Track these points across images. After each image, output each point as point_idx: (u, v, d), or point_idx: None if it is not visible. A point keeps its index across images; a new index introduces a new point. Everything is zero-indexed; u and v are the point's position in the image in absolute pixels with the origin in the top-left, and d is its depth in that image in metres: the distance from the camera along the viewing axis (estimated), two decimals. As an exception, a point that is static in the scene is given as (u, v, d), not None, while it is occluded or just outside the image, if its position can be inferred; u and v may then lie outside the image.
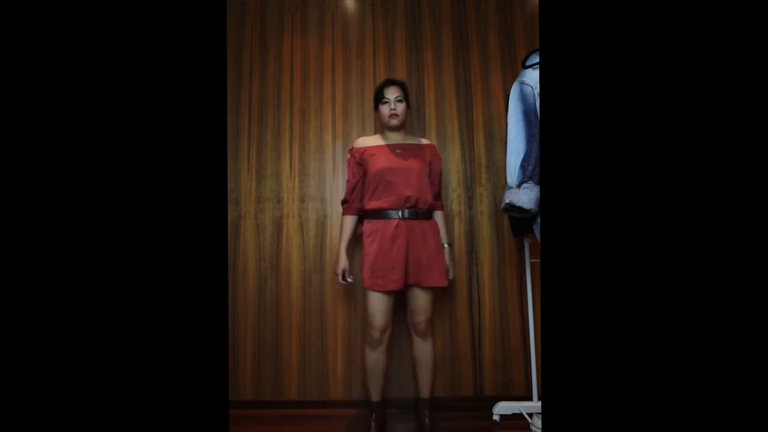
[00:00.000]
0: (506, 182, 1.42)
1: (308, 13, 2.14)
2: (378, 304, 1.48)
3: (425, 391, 1.62)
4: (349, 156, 1.64)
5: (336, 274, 1.57)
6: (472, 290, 1.92)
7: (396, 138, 1.62)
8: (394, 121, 1.58)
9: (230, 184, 2.02)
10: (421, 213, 1.53)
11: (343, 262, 1.56)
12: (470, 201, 1.97)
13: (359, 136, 2.04)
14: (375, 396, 1.56)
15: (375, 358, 1.51)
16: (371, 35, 2.11)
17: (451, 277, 1.60)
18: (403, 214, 1.50)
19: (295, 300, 1.94)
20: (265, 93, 2.09)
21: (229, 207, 2.01)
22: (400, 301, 1.60)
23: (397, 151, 1.58)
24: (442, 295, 1.90)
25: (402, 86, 1.62)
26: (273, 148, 2.05)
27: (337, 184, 2.01)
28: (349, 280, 1.58)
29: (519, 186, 1.36)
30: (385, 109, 1.59)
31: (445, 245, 1.59)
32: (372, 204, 1.54)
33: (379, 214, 1.52)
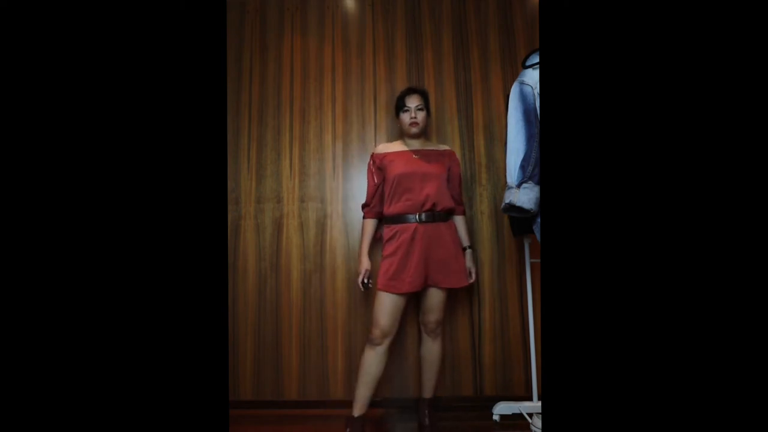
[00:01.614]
0: (506, 182, 1.42)
1: (308, 13, 2.14)
2: (385, 304, 1.48)
3: (427, 391, 1.61)
4: (369, 161, 1.66)
5: (359, 274, 1.56)
6: (472, 290, 1.92)
7: (416, 144, 1.65)
8: (414, 129, 1.61)
9: (230, 184, 2.02)
10: (438, 216, 1.54)
11: (365, 264, 1.57)
12: (470, 201, 1.97)
13: (359, 136, 2.04)
14: (357, 409, 1.48)
15: (371, 358, 1.48)
16: (371, 35, 2.11)
17: (473, 279, 1.61)
18: (420, 218, 1.52)
19: (295, 300, 1.94)
20: (265, 93, 2.09)
21: (229, 207, 2.01)
22: (408, 304, 1.60)
23: (416, 157, 1.59)
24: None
25: (423, 95, 1.65)
26: (273, 148, 2.05)
27: (337, 184, 2.01)
28: (370, 285, 1.57)
29: (519, 186, 1.36)
30: (405, 117, 1.62)
31: (467, 248, 1.62)
32: (391, 209, 1.56)
33: (398, 218, 1.54)
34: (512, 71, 2.06)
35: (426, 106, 1.64)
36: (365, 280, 1.55)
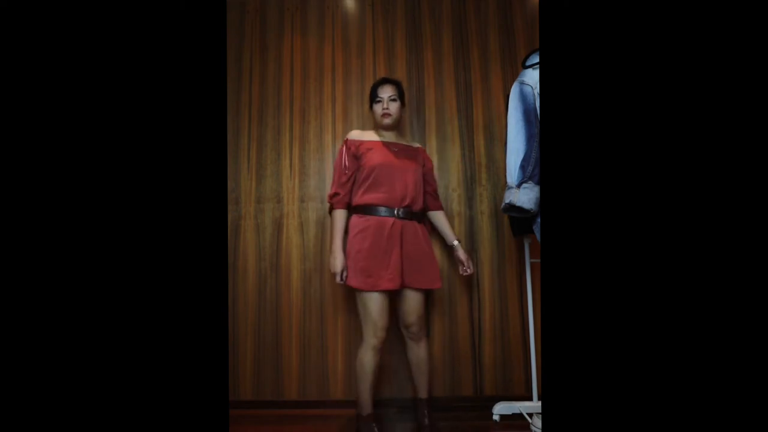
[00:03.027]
0: (506, 182, 1.42)
1: (308, 13, 2.14)
2: (378, 302, 1.43)
3: (422, 392, 1.61)
4: (343, 147, 1.57)
5: (334, 274, 1.48)
6: (472, 290, 1.92)
7: (390, 137, 1.62)
8: (387, 120, 1.58)
9: (230, 184, 2.02)
10: (414, 214, 1.54)
11: (340, 261, 1.47)
12: (470, 201, 1.97)
13: (359, 136, 2.04)
14: (367, 407, 1.47)
15: (370, 360, 1.43)
16: (371, 35, 2.11)
17: (471, 270, 1.63)
18: (398, 213, 1.49)
19: (295, 300, 1.94)
20: (265, 93, 2.09)
21: (229, 207, 2.01)
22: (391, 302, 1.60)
23: (394, 150, 1.58)
24: (443, 295, 1.91)
25: (397, 85, 1.62)
26: (273, 148, 2.05)
27: (337, 184, 2.01)
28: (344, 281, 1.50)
29: (519, 186, 1.36)
30: (378, 108, 1.59)
31: (455, 242, 1.64)
32: (365, 199, 1.50)
33: (372, 210, 1.49)
34: (512, 71, 2.06)
35: (400, 97, 1.61)
36: (342, 278, 1.48)
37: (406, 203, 1.51)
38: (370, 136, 1.61)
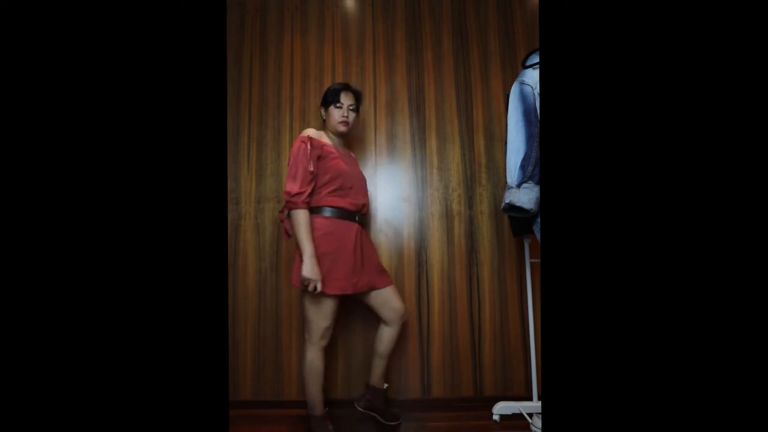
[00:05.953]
0: (506, 182, 1.42)
1: (308, 13, 2.14)
2: (331, 306, 1.44)
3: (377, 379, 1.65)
4: (307, 145, 1.43)
5: (309, 281, 1.33)
6: (472, 290, 1.92)
7: (339, 144, 1.62)
8: (343, 128, 1.56)
9: (230, 184, 2.02)
10: (366, 220, 1.65)
11: (317, 269, 1.35)
12: (470, 201, 1.97)
13: (359, 136, 2.04)
14: (320, 407, 1.50)
15: (321, 358, 1.47)
16: (371, 35, 2.11)
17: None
18: (360, 219, 1.57)
19: (294, 300, 1.94)
20: (265, 93, 2.09)
21: (229, 207, 2.01)
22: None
23: (345, 158, 1.58)
24: (442, 295, 1.91)
25: (357, 95, 1.62)
26: (273, 148, 2.05)
27: (337, 184, 2.00)
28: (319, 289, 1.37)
29: (519, 186, 1.36)
30: (336, 114, 1.55)
31: None
32: (333, 202, 1.47)
33: (342, 214, 1.48)
34: (512, 71, 2.06)
35: (357, 108, 1.61)
36: (317, 288, 1.35)
37: (364, 211, 1.60)
38: (327, 139, 1.53)
